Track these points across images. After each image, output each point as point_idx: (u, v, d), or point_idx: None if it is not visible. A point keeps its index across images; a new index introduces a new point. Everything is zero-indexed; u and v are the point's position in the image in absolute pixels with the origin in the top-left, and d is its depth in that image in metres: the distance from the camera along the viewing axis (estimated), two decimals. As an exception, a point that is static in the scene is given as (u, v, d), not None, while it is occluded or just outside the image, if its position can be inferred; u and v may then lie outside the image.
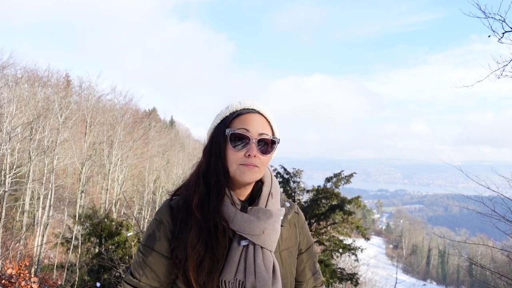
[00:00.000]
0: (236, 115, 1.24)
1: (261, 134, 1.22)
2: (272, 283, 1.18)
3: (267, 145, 1.23)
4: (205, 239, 1.16)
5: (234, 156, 1.20)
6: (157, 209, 1.30)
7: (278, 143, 1.27)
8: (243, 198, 1.28)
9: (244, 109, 1.25)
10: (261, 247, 1.19)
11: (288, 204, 1.36)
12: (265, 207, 1.24)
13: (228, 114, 1.26)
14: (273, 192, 1.30)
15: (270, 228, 1.21)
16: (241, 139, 1.20)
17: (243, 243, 1.19)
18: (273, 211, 1.23)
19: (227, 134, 1.21)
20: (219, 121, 1.27)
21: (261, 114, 1.26)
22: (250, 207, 1.23)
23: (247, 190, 1.28)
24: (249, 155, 1.19)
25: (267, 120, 1.27)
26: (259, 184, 1.31)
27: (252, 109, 1.25)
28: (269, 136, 1.24)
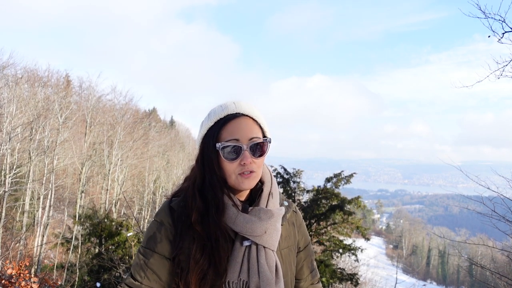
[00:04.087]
0: (222, 124, 1.20)
1: (251, 139, 1.19)
2: (276, 282, 1.18)
3: (259, 147, 1.21)
4: (208, 254, 1.16)
5: (230, 168, 1.19)
6: (157, 210, 1.29)
7: (270, 142, 1.25)
8: (243, 198, 1.28)
9: (228, 115, 1.21)
10: (264, 247, 1.20)
11: (286, 203, 1.36)
12: (266, 207, 1.24)
13: (212, 123, 1.21)
14: (273, 192, 1.29)
15: (272, 228, 1.21)
16: (234, 151, 1.18)
17: (246, 243, 1.19)
18: (274, 211, 1.23)
19: (218, 148, 1.19)
20: (205, 131, 1.23)
21: (247, 116, 1.22)
22: (251, 208, 1.23)
23: (247, 191, 1.28)
24: (244, 163, 1.18)
25: (254, 120, 1.23)
26: (259, 183, 1.31)
27: (236, 113, 1.22)
28: (260, 139, 1.22)
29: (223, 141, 1.19)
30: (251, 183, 1.21)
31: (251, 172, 1.19)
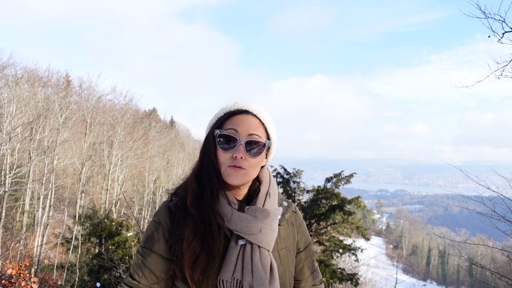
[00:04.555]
0: (229, 115, 1.23)
1: (250, 135, 1.20)
2: (270, 282, 1.18)
3: (257, 147, 1.21)
4: (201, 236, 1.16)
5: (222, 158, 1.20)
6: (155, 210, 1.30)
7: (269, 146, 1.26)
8: (240, 197, 1.27)
9: (237, 109, 1.24)
10: (259, 246, 1.20)
11: (285, 204, 1.36)
12: (263, 206, 1.24)
13: (222, 114, 1.25)
14: (271, 192, 1.29)
15: (267, 227, 1.21)
16: (229, 140, 1.19)
17: (241, 242, 1.20)
18: (270, 210, 1.23)
19: (215, 135, 1.21)
20: (214, 121, 1.27)
21: (255, 115, 1.24)
22: (247, 207, 1.23)
23: (244, 190, 1.28)
24: (235, 156, 1.18)
25: (260, 121, 1.24)
26: (257, 183, 1.31)
27: (245, 109, 1.24)
28: (260, 138, 1.22)
29: (223, 129, 1.21)
30: (238, 179, 1.19)
31: (240, 167, 1.19)
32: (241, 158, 1.18)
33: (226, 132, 1.19)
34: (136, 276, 1.22)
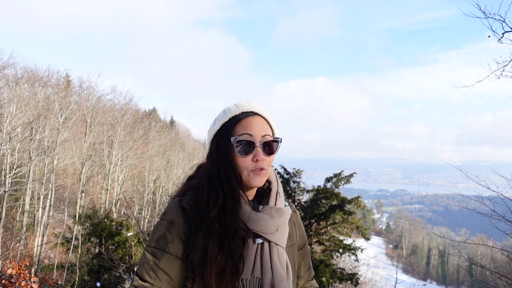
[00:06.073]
0: (237, 120, 1.25)
1: (264, 136, 1.24)
2: (287, 279, 1.22)
3: (270, 146, 1.26)
4: (226, 250, 1.16)
5: (243, 163, 1.22)
6: (164, 210, 1.28)
7: (281, 142, 1.30)
8: (251, 197, 1.31)
9: (242, 113, 1.26)
10: (276, 244, 1.23)
11: (286, 204, 1.40)
12: (275, 205, 1.28)
13: (227, 119, 1.26)
14: (280, 191, 1.34)
15: (283, 226, 1.26)
16: (247, 145, 1.22)
17: (258, 241, 1.22)
18: (284, 209, 1.28)
19: (232, 142, 1.22)
20: (219, 127, 1.27)
21: (260, 115, 1.27)
22: (261, 206, 1.27)
23: (254, 190, 1.32)
24: (256, 159, 1.21)
25: (266, 120, 1.29)
26: (266, 183, 1.34)
27: (250, 111, 1.26)
28: (271, 137, 1.26)
29: (237, 135, 1.23)
30: (262, 180, 1.24)
31: (262, 169, 1.23)
32: (262, 160, 1.22)
33: (242, 138, 1.22)
34: (148, 278, 1.19)
